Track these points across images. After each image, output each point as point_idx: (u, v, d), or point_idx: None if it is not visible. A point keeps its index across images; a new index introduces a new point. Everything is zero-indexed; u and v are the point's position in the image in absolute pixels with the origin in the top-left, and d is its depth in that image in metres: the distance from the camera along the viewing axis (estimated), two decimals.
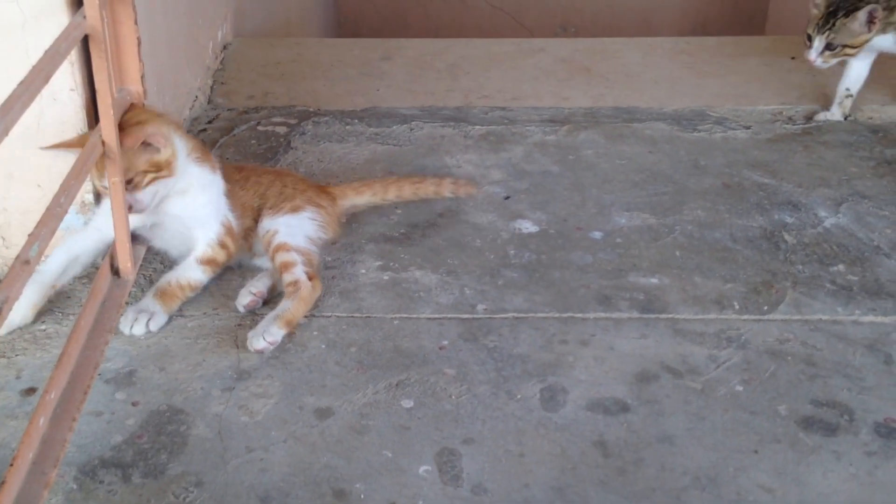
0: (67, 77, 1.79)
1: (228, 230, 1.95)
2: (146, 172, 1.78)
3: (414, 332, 1.86)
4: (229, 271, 2.02)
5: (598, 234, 2.22)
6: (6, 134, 1.21)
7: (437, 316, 1.91)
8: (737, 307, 1.93)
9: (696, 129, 2.78)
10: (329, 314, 1.91)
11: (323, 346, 1.81)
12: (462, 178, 2.43)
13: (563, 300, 1.96)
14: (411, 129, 2.78)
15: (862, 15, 2.57)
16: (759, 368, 1.75)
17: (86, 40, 1.66)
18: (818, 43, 2.63)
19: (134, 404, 1.63)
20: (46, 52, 1.41)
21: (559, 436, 1.58)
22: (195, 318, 1.87)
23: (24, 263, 1.29)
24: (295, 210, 2.05)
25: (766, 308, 1.94)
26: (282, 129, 2.75)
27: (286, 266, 1.91)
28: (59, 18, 1.77)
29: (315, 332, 1.85)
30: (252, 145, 2.62)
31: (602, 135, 2.76)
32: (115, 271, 1.81)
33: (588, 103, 3.03)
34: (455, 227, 2.24)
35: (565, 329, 1.87)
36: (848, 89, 2.82)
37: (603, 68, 3.36)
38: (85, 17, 1.57)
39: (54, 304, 1.87)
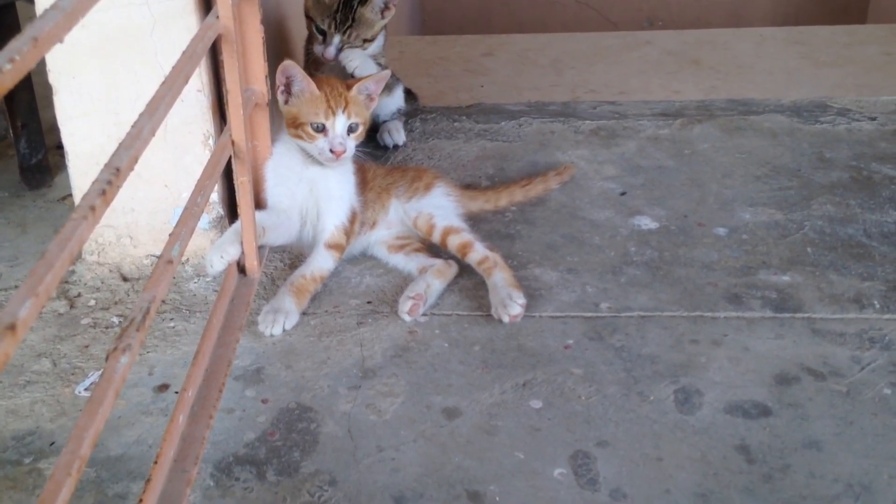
0: (194, 78, 1.81)
1: (353, 219, 1.97)
2: (365, 125, 1.95)
3: (537, 331, 1.82)
4: (344, 268, 2.03)
5: (722, 231, 2.14)
6: (153, 134, 1.22)
7: (559, 314, 1.87)
8: (877, 306, 1.84)
9: (817, 121, 2.68)
10: (450, 312, 1.89)
11: (446, 345, 1.79)
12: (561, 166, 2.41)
13: (691, 298, 1.90)
14: (520, 125, 2.75)
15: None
16: None
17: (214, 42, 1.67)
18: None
19: (264, 402, 1.63)
20: (184, 52, 1.42)
21: (698, 440, 1.52)
22: (317, 316, 1.87)
23: (168, 263, 1.29)
24: (428, 188, 2.11)
25: None
26: None
27: (466, 246, 2.00)
28: (186, 21, 1.79)
29: (437, 331, 1.83)
30: (361, 143, 2.61)
31: (718, 128, 2.68)
32: (242, 270, 1.82)
33: (700, 96, 2.96)
34: (572, 224, 2.20)
35: (695, 328, 1.81)
36: None
37: (713, 60, 3.28)
38: (218, 16, 1.57)
39: (180, 303, 1.89)
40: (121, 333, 1.15)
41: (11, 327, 0.88)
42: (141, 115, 1.23)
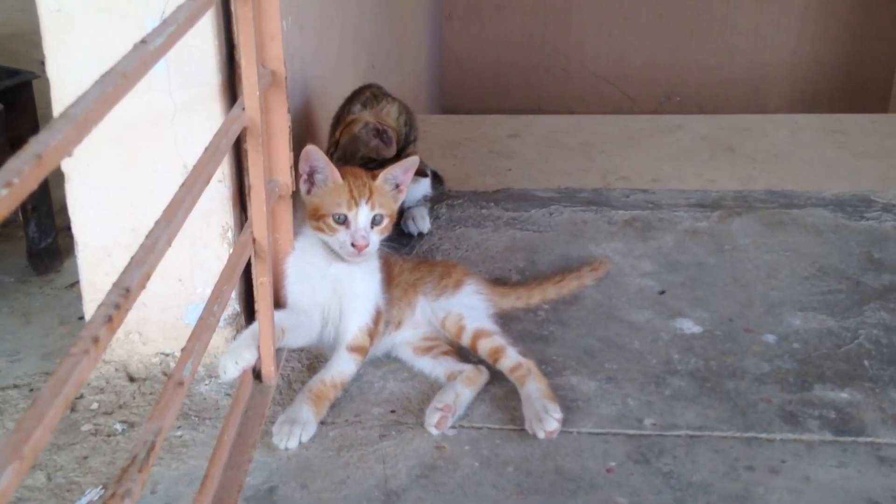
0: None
1: (378, 319, 1.84)
2: (392, 217, 1.84)
3: (576, 450, 1.67)
4: (367, 371, 1.89)
5: (771, 338, 2.00)
6: (169, 244, 1.10)
7: (599, 431, 1.72)
8: None
9: (863, 217, 2.55)
10: (480, 425, 1.74)
11: (476, 465, 1.64)
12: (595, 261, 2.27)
13: (743, 416, 1.75)
14: (550, 214, 2.63)
15: None
16: None
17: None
18: None
19: None
20: (206, 149, 1.30)
21: None
22: (336, 427, 1.73)
23: (178, 385, 1.16)
24: (458, 285, 1.99)
25: None
26: None
27: (498, 352, 1.86)
28: (209, 108, 1.68)
29: (467, 447, 1.68)
30: None
31: (758, 221, 2.55)
32: (258, 375, 1.69)
33: (737, 186, 2.84)
34: (609, 326, 2.06)
35: (749, 452, 1.65)
36: None
37: (748, 147, 3.17)
38: (244, 108, 1.47)
39: (189, 408, 1.75)
40: (120, 475, 1.02)
41: None
42: (157, 223, 1.12)
